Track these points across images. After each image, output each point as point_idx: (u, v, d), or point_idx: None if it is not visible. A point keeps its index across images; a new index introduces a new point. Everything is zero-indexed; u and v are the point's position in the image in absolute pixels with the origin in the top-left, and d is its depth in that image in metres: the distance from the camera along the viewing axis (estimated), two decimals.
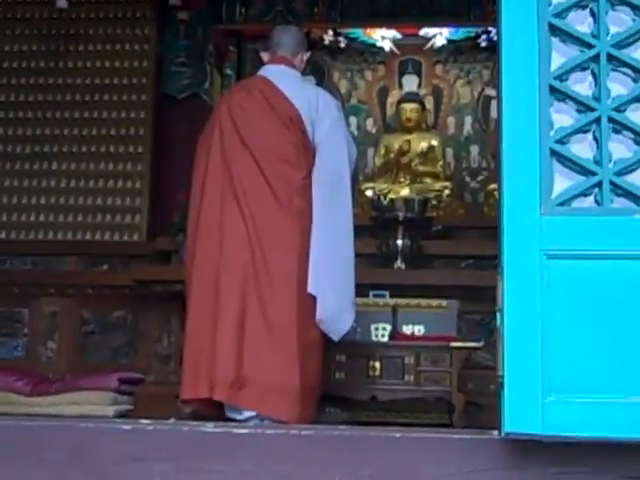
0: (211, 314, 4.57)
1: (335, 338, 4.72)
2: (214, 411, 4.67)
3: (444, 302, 6.11)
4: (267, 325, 4.51)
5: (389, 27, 8.77)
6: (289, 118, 4.78)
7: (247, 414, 4.62)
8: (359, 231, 7.42)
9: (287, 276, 4.59)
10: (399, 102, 8.74)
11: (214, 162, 4.81)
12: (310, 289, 4.62)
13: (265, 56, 5.21)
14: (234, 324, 4.50)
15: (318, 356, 4.68)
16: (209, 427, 3.27)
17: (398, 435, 3.19)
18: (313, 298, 4.63)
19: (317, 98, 4.90)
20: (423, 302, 6.14)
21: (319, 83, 8.89)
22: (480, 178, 8.72)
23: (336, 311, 4.69)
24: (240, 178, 4.70)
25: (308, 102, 4.85)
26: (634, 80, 3.18)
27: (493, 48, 7.94)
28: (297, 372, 4.48)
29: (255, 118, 4.83)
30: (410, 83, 8.93)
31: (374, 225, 7.27)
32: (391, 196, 8.07)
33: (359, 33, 8.91)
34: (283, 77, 4.96)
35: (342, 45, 8.97)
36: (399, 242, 7.06)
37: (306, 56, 5.29)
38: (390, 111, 8.94)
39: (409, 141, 8.66)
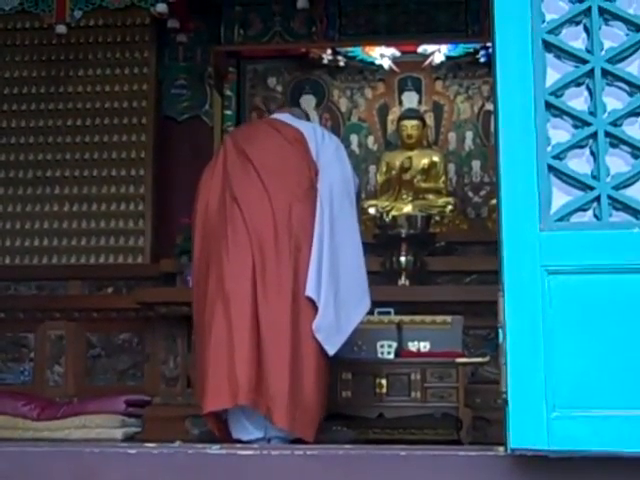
0: (225, 326, 4.62)
1: (330, 351, 4.71)
2: (223, 432, 4.70)
3: (449, 318, 6.10)
4: (269, 332, 4.59)
5: (388, 45, 8.77)
6: (293, 137, 5.01)
7: (253, 435, 4.64)
8: (362, 249, 7.48)
9: (283, 285, 4.66)
10: (399, 119, 8.75)
11: (217, 179, 4.99)
12: (308, 292, 4.67)
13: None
14: (248, 332, 4.57)
15: (315, 366, 4.68)
16: (214, 449, 3.27)
17: (403, 453, 3.20)
18: (310, 307, 4.67)
19: (322, 130, 5.22)
20: (428, 318, 6.13)
21: (319, 102, 8.92)
22: (482, 193, 8.71)
23: (334, 322, 4.71)
24: (242, 188, 4.86)
25: (314, 130, 5.13)
26: (629, 94, 3.20)
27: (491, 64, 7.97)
28: (287, 379, 4.51)
29: (259, 137, 5.06)
30: (410, 100, 8.93)
31: (377, 242, 7.27)
32: (394, 213, 8.07)
33: (358, 51, 8.92)
34: (288, 118, 5.24)
35: (341, 64, 8.97)
36: (403, 259, 7.06)
37: None
38: (391, 128, 8.94)
39: (410, 158, 8.65)
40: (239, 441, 4.60)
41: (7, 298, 7.97)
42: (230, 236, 4.77)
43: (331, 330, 4.71)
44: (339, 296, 4.76)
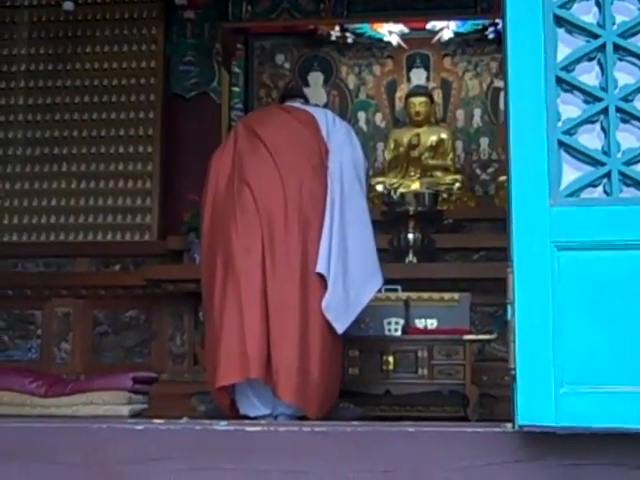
0: (236, 302, 4.63)
1: (339, 329, 4.72)
2: (230, 409, 4.71)
3: (456, 295, 6.09)
4: (277, 307, 4.62)
5: (396, 21, 8.76)
6: (305, 119, 5.05)
7: (261, 412, 4.65)
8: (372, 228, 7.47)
9: (292, 260, 4.68)
10: (408, 96, 8.73)
11: (227, 159, 5.01)
12: (319, 269, 4.68)
13: None
14: (259, 307, 4.60)
15: (321, 342, 4.68)
16: (222, 425, 3.27)
17: (412, 430, 3.19)
18: (319, 283, 4.68)
19: (333, 115, 5.23)
20: (435, 295, 6.13)
21: (327, 79, 8.90)
22: (490, 170, 8.70)
23: (343, 300, 4.72)
24: (252, 166, 4.88)
25: (324, 114, 5.18)
26: None
27: (500, 40, 7.93)
28: (295, 354, 4.55)
29: (270, 119, 5.13)
30: (418, 77, 8.91)
31: (385, 220, 7.25)
32: (402, 190, 8.06)
33: (366, 28, 8.90)
34: (299, 104, 5.30)
35: (349, 41, 8.96)
36: (410, 236, 7.05)
37: None
38: (399, 105, 8.93)
39: (418, 135, 8.64)
40: (246, 417, 4.62)
41: (14, 275, 7.98)
42: (239, 215, 4.78)
43: (340, 308, 4.71)
44: (348, 274, 4.77)
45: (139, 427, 3.24)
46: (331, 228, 4.76)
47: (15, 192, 8.26)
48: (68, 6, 7.25)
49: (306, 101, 5.44)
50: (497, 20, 8.28)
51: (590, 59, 3.21)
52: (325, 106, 8.87)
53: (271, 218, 4.72)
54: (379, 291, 5.99)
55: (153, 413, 6.20)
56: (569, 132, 3.15)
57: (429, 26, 8.84)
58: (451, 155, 8.68)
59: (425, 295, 6.12)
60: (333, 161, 4.92)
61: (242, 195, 4.80)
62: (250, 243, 4.69)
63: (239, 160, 4.94)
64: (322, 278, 4.69)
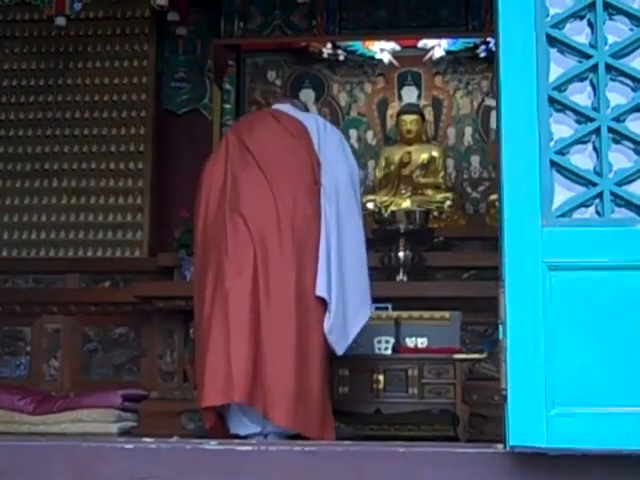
0: (224, 323, 4.58)
1: (339, 352, 4.72)
2: (217, 428, 4.68)
3: (447, 314, 6.09)
4: (271, 329, 4.57)
5: (388, 39, 8.76)
6: (295, 130, 4.96)
7: (251, 430, 4.63)
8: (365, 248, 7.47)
9: (286, 282, 4.63)
10: (399, 114, 8.73)
11: (218, 172, 4.94)
12: (319, 292, 4.65)
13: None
14: (247, 328, 4.55)
15: (319, 362, 4.67)
16: (212, 445, 3.25)
17: (402, 450, 3.18)
18: (315, 305, 4.66)
19: (324, 122, 5.15)
20: (426, 314, 6.12)
21: (318, 97, 8.91)
22: (481, 188, 8.70)
23: (342, 323, 4.71)
24: (243, 183, 4.83)
25: (315, 121, 5.09)
26: (633, 89, 3.18)
27: (492, 58, 7.91)
28: (291, 376, 4.51)
29: (260, 130, 5.00)
30: (409, 95, 8.92)
31: (376, 238, 7.23)
32: (392, 208, 8.05)
33: (358, 46, 8.90)
34: (290, 109, 5.19)
35: (341, 58, 8.96)
36: (401, 254, 7.04)
37: None
38: (390, 123, 8.93)
39: (409, 153, 8.64)
40: (237, 436, 4.59)
41: (4, 291, 7.96)
42: (230, 233, 4.72)
43: (340, 331, 4.71)
44: (346, 297, 4.75)
45: (129, 446, 3.22)
46: (329, 252, 4.71)
47: (5, 207, 8.24)
48: (60, 21, 7.22)
49: (294, 104, 5.35)
50: (488, 39, 8.30)
51: (582, 79, 3.21)
52: None
53: (264, 239, 4.67)
54: None
55: (142, 431, 6.19)
56: (561, 152, 3.15)
57: (420, 44, 8.85)
58: (442, 173, 8.68)
59: (415, 314, 6.11)
60: (327, 176, 4.86)
61: (233, 214, 4.76)
62: (242, 264, 4.64)
63: (231, 174, 4.87)
64: (318, 300, 4.66)
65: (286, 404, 4.48)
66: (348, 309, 4.75)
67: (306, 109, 5.58)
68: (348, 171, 4.96)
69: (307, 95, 8.94)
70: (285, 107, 5.25)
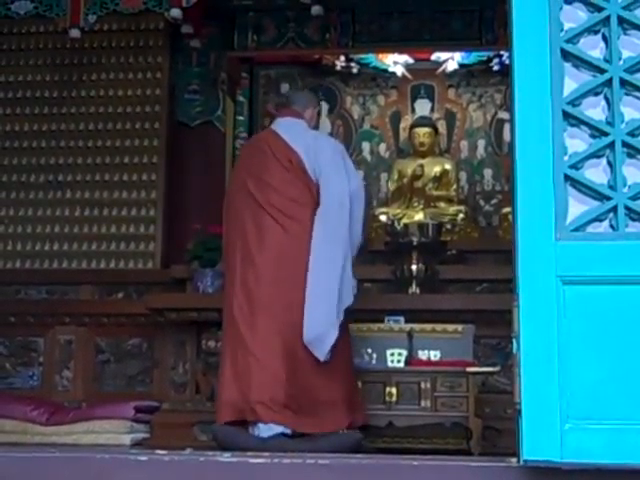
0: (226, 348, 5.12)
1: (321, 357, 4.94)
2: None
3: (460, 327, 6.08)
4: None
5: (401, 52, 8.77)
6: (289, 161, 5.20)
7: (272, 431, 4.78)
8: (373, 256, 7.46)
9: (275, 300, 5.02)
10: (412, 127, 8.73)
11: (229, 210, 5.37)
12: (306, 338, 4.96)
13: (271, 108, 5.73)
14: (240, 350, 5.01)
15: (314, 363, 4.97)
16: (225, 457, 3.26)
17: (416, 463, 3.18)
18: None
19: (315, 141, 5.32)
20: (439, 327, 6.11)
21: (332, 109, 8.91)
22: (494, 201, 8.69)
23: (320, 333, 4.94)
24: (242, 210, 5.23)
25: (306, 145, 5.26)
26: None
27: (505, 72, 7.93)
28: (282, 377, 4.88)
29: (259, 167, 5.28)
30: (423, 107, 8.92)
31: (388, 250, 7.25)
32: (405, 221, 8.03)
33: (371, 58, 8.91)
34: (288, 128, 5.39)
35: (354, 71, 8.97)
36: (414, 267, 7.03)
37: (316, 110, 5.81)
38: (403, 136, 8.94)
39: (422, 165, 8.64)
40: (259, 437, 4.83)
41: (17, 302, 7.97)
42: (239, 259, 5.13)
43: (318, 340, 4.97)
44: (323, 311, 4.99)
45: (143, 458, 3.23)
46: (312, 274, 5.01)
47: (19, 219, 8.26)
48: (74, 33, 7.25)
49: (297, 113, 5.49)
50: (502, 52, 8.31)
51: (597, 94, 3.22)
52: (330, 136, 8.93)
53: (252, 260, 5.09)
54: (382, 321, 6.05)
55: (155, 442, 6.20)
56: (575, 166, 3.16)
57: (434, 57, 8.86)
58: (455, 186, 8.67)
59: (428, 326, 6.10)
60: (322, 196, 5.12)
61: (236, 238, 5.20)
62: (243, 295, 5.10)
63: (239, 211, 5.24)
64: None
65: (277, 404, 4.82)
66: (325, 321, 4.97)
67: (307, 103, 5.68)
68: (340, 186, 5.13)
69: (320, 108, 8.95)
70: (285, 123, 5.44)
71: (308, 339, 4.90)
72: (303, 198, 5.11)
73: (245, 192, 5.21)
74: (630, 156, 3.16)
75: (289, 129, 5.35)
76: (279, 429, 4.81)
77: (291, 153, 5.21)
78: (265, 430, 4.82)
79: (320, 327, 4.92)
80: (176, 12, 7.13)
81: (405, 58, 8.89)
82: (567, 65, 3.22)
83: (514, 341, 3.12)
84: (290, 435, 4.82)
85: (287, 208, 5.10)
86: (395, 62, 8.91)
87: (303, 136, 5.34)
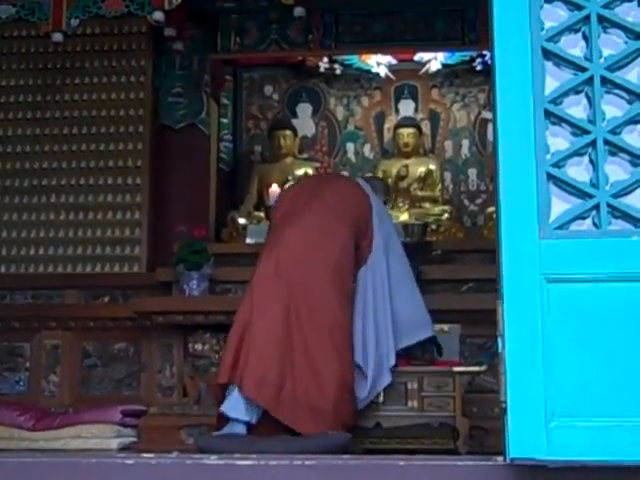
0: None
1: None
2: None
3: (446, 326, 6.08)
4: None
5: (384, 53, 8.79)
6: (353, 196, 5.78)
7: (241, 416, 4.92)
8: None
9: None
10: (396, 127, 8.75)
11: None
12: (357, 359, 5.26)
13: None
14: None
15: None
16: (212, 459, 3.26)
17: (402, 463, 3.18)
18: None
19: (364, 186, 5.87)
20: None
21: (315, 110, 8.92)
22: (479, 201, 8.72)
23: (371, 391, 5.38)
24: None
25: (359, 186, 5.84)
26: (628, 102, 3.20)
27: (488, 71, 7.90)
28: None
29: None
30: (406, 108, 8.94)
31: None
32: None
33: (354, 59, 8.93)
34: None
35: (338, 72, 8.99)
36: None
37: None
38: (387, 136, 8.96)
39: (407, 166, 8.66)
40: (224, 415, 4.90)
41: (3, 307, 7.93)
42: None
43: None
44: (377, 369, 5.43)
45: (129, 461, 3.23)
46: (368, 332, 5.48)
47: (3, 223, 8.22)
48: (57, 37, 7.21)
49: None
50: (485, 52, 8.33)
51: (578, 92, 3.23)
52: (314, 137, 8.92)
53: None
54: None
55: (142, 446, 6.19)
56: (558, 165, 3.17)
57: (417, 57, 8.88)
58: (439, 186, 8.69)
59: None
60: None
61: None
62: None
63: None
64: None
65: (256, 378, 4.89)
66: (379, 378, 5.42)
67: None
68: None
69: (304, 109, 8.97)
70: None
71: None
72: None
73: None
74: (612, 154, 3.17)
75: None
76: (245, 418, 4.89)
77: (355, 188, 5.83)
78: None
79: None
80: (159, 15, 7.09)
81: (388, 59, 8.91)
82: (548, 64, 3.23)
83: (499, 340, 3.12)
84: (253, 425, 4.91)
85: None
86: (378, 63, 8.93)
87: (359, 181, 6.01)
